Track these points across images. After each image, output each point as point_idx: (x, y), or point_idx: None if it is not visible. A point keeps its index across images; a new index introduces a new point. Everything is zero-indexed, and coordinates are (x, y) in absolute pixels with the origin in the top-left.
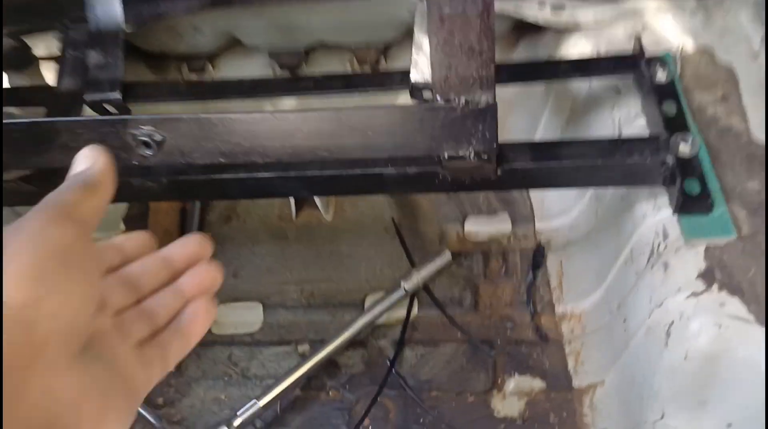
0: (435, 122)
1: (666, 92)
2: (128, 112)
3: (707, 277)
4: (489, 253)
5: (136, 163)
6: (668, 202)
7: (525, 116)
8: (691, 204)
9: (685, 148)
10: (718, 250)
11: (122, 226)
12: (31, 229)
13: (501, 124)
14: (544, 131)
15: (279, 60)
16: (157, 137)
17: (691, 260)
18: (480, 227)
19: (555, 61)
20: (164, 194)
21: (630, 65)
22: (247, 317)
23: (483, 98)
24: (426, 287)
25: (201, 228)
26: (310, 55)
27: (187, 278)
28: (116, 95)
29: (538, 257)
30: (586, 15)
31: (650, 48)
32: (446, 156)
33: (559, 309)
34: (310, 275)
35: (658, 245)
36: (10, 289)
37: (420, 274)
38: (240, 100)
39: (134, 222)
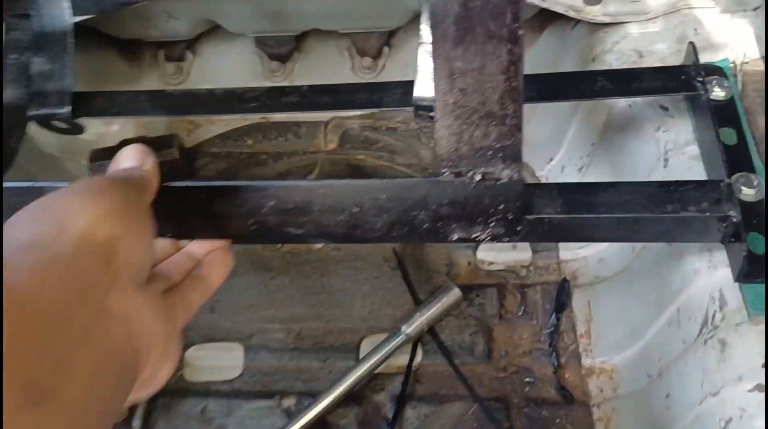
0: (442, 200)
1: (725, 114)
2: (80, 130)
3: None
4: (505, 288)
5: None
6: (726, 264)
7: (549, 124)
8: (757, 267)
9: (749, 193)
10: None
11: None
12: (105, 183)
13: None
14: (570, 146)
15: (267, 48)
16: None
17: (757, 341)
18: (495, 255)
19: (588, 73)
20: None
21: (679, 76)
22: (226, 361)
23: (505, 173)
24: (432, 330)
25: None
26: (302, 43)
27: (196, 247)
28: (65, 110)
29: (562, 296)
30: (625, 8)
31: (705, 55)
32: (455, 238)
33: (586, 361)
34: (297, 313)
35: (714, 314)
36: (93, 226)
37: (424, 314)
38: (210, 115)
39: None
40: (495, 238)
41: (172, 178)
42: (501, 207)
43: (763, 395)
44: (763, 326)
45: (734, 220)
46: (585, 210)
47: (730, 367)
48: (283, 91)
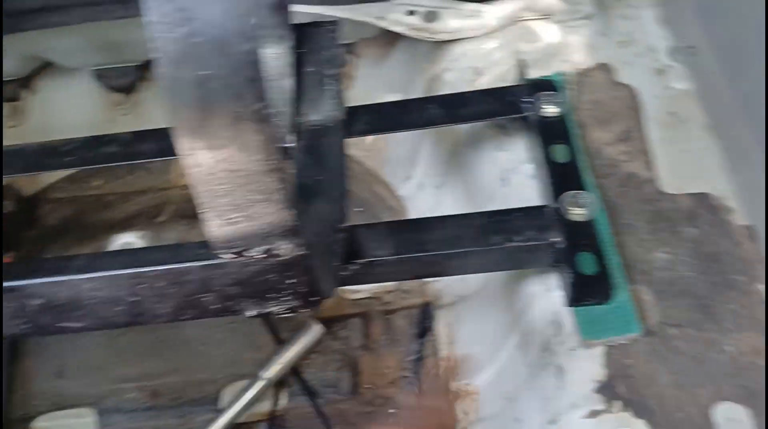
0: (225, 281)
1: (556, 130)
2: None
3: (607, 390)
4: (370, 317)
5: None
6: (559, 290)
7: (405, 143)
8: (587, 290)
9: (578, 213)
10: (621, 353)
11: None
12: None
13: (378, 155)
14: (425, 165)
15: (108, 81)
16: None
17: (589, 366)
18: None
19: (419, 101)
20: None
21: (508, 97)
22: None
23: (284, 249)
24: (295, 370)
25: None
26: (148, 72)
27: None
28: None
29: (425, 320)
30: (463, 24)
31: (540, 69)
32: (251, 314)
33: (452, 385)
34: (151, 368)
35: (550, 340)
36: None
37: (285, 356)
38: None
39: None
40: (294, 310)
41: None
42: (288, 282)
43: (596, 422)
44: (596, 350)
45: (559, 245)
46: (415, 249)
47: (566, 394)
48: (101, 140)
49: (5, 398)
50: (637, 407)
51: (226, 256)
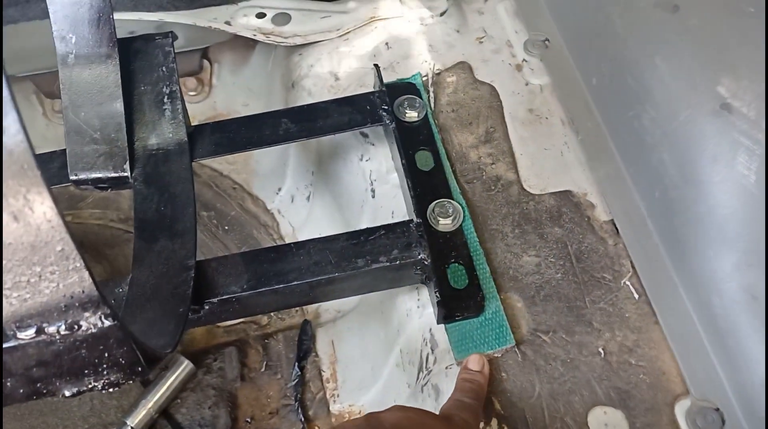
0: (28, 363)
1: (419, 136)
2: None
3: (485, 410)
4: (246, 343)
5: None
6: (430, 305)
7: (272, 154)
8: (458, 304)
9: (446, 224)
10: (494, 367)
11: None
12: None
13: (245, 168)
14: (293, 176)
15: (44, 87)
16: None
17: None
18: None
19: (272, 114)
20: None
21: (365, 105)
22: None
23: (91, 321)
24: (166, 412)
25: None
26: None
27: None
28: None
29: (304, 341)
30: (315, 26)
31: (400, 70)
32: (70, 393)
33: (335, 408)
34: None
35: (427, 357)
36: None
37: (152, 399)
38: None
39: None
40: (117, 385)
41: None
42: (106, 355)
43: None
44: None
45: (427, 261)
46: (274, 280)
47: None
48: None
49: None
50: (513, 423)
51: (25, 336)
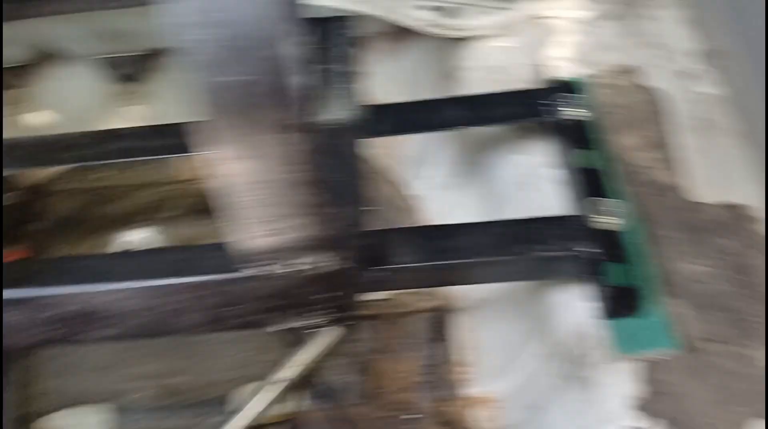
0: (263, 294)
1: (579, 135)
2: None
3: (645, 407)
4: (387, 320)
5: None
6: (592, 301)
7: (417, 145)
8: (619, 303)
9: (605, 222)
10: (658, 368)
11: None
12: None
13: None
14: (439, 168)
15: (115, 70)
16: None
17: (623, 382)
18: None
19: (436, 101)
20: None
21: (531, 100)
22: (90, 424)
23: (325, 262)
24: (310, 373)
25: None
26: (152, 61)
27: None
28: None
29: (442, 325)
30: (482, 21)
31: (562, 70)
32: (292, 325)
33: (466, 391)
34: (162, 368)
35: (578, 351)
36: None
37: (301, 358)
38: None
39: None
40: (336, 322)
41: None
42: (330, 294)
43: None
44: (629, 365)
45: (586, 256)
46: (440, 256)
47: (599, 409)
48: (108, 135)
49: (15, 396)
50: (677, 425)
51: (265, 270)
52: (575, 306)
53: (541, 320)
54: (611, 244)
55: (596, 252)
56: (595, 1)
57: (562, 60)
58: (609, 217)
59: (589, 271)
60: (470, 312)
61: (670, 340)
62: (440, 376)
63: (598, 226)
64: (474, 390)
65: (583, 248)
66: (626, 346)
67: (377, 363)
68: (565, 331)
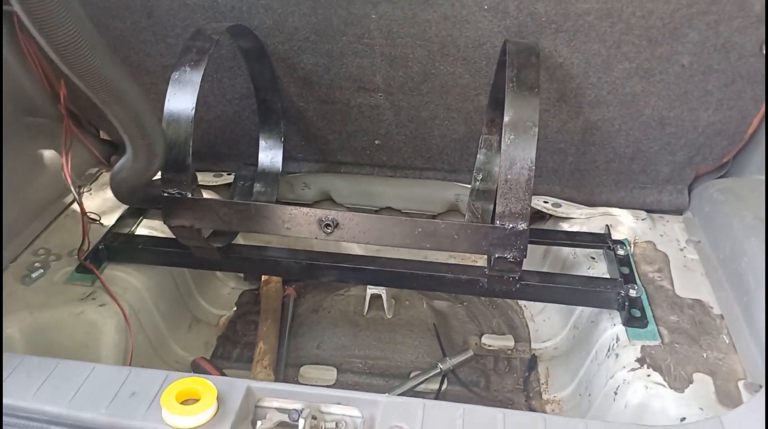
0: (494, 236)
1: (623, 261)
2: None
3: (641, 361)
4: (498, 358)
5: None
6: (620, 321)
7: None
8: (634, 321)
9: (632, 292)
10: (649, 348)
11: (234, 308)
12: None
13: None
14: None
15: None
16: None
17: (632, 352)
18: (492, 342)
19: (553, 230)
20: (300, 273)
21: (602, 241)
22: (324, 376)
23: (521, 225)
24: (453, 371)
25: (294, 315)
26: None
27: None
28: None
29: (532, 363)
30: (575, 211)
31: (615, 235)
32: (496, 256)
33: (545, 396)
34: (372, 354)
35: (613, 345)
36: None
37: (452, 360)
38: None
39: (246, 306)
40: (517, 257)
41: None
42: (518, 242)
43: (634, 373)
44: (638, 347)
45: (624, 296)
46: (550, 283)
47: (620, 364)
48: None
49: (291, 354)
50: (655, 367)
51: (499, 225)
52: (614, 325)
53: (590, 344)
54: (634, 301)
55: (627, 301)
56: (634, 215)
57: (617, 231)
58: (633, 291)
59: (622, 306)
60: (549, 360)
61: (655, 337)
62: (529, 388)
63: (629, 294)
64: (548, 396)
65: (621, 294)
66: (634, 337)
67: (493, 376)
68: (606, 339)
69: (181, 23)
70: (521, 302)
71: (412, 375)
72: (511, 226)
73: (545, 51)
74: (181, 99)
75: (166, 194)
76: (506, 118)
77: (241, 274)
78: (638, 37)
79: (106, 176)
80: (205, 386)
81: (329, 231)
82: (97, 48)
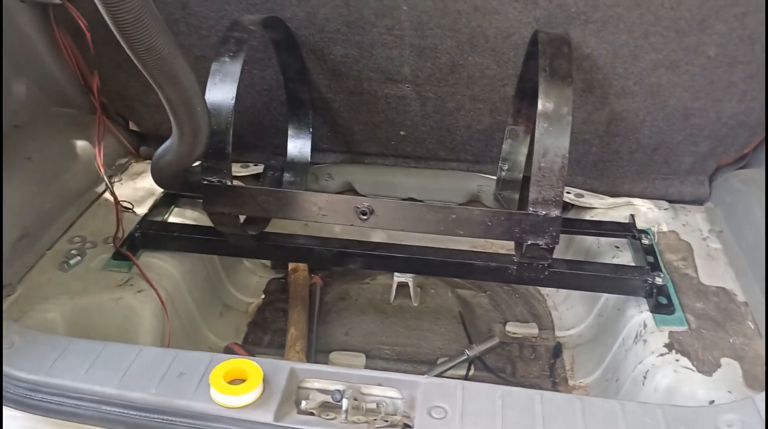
0: (527, 222)
1: (648, 250)
2: None
3: (670, 346)
4: (523, 345)
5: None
6: (647, 308)
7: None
8: (661, 308)
9: (659, 280)
10: (676, 334)
11: (263, 296)
12: None
13: None
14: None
15: None
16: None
17: (660, 338)
18: (517, 330)
19: (577, 219)
20: (331, 260)
21: (626, 231)
22: (353, 362)
23: (553, 212)
24: (480, 358)
25: (321, 303)
26: None
27: None
28: None
29: (557, 350)
30: (597, 201)
31: (638, 225)
32: (529, 243)
33: (570, 383)
34: (399, 341)
35: (641, 331)
36: None
37: (478, 347)
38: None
39: (273, 294)
40: (549, 244)
41: None
42: (550, 228)
43: (662, 358)
44: (666, 333)
45: (651, 283)
46: (578, 270)
47: (648, 349)
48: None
49: (321, 341)
50: (683, 352)
51: (532, 212)
52: (641, 313)
53: (617, 331)
54: (660, 289)
55: (654, 288)
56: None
57: (639, 219)
58: (659, 279)
59: (650, 293)
60: (573, 348)
61: (682, 323)
62: (555, 374)
63: (655, 281)
64: (575, 381)
65: (648, 281)
66: (662, 323)
67: (518, 363)
68: (634, 325)
69: (214, 15)
70: (543, 291)
71: (439, 361)
72: (544, 212)
73: (573, 42)
74: (221, 89)
75: (206, 182)
76: (540, 107)
77: (268, 263)
78: (666, 28)
79: (135, 166)
80: (251, 367)
81: (365, 218)
82: (159, 28)
